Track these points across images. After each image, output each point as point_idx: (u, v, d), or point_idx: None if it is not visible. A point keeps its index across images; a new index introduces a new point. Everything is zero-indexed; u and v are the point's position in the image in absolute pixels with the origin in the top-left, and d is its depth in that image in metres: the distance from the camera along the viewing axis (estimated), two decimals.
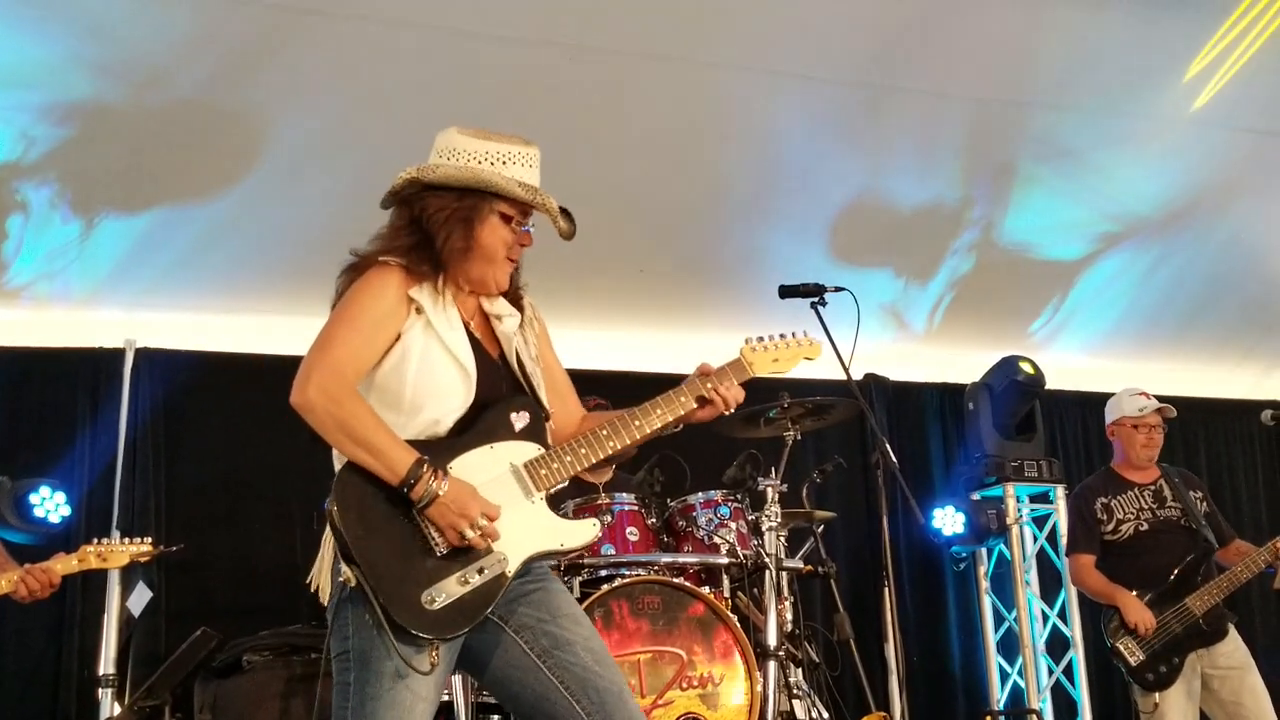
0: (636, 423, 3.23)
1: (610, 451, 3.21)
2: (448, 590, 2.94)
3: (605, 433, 3.20)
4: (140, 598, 6.58)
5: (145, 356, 7.25)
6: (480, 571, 2.98)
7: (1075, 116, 7.69)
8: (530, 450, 3.13)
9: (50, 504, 6.58)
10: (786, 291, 4.76)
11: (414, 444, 2.99)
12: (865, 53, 7.05)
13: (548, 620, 3.11)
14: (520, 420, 3.14)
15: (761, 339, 3.51)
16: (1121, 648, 5.97)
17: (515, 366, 3.24)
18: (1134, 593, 5.97)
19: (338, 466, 3.02)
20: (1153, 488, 6.22)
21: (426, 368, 3.07)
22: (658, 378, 6.98)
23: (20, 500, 6.50)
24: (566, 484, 3.21)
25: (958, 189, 8.05)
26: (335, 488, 2.96)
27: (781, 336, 3.56)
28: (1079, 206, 8.28)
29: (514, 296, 3.34)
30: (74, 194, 6.84)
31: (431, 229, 3.14)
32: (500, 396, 3.15)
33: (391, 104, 6.75)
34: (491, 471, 3.07)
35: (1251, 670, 5.97)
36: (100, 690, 6.62)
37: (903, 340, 8.78)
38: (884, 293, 8.42)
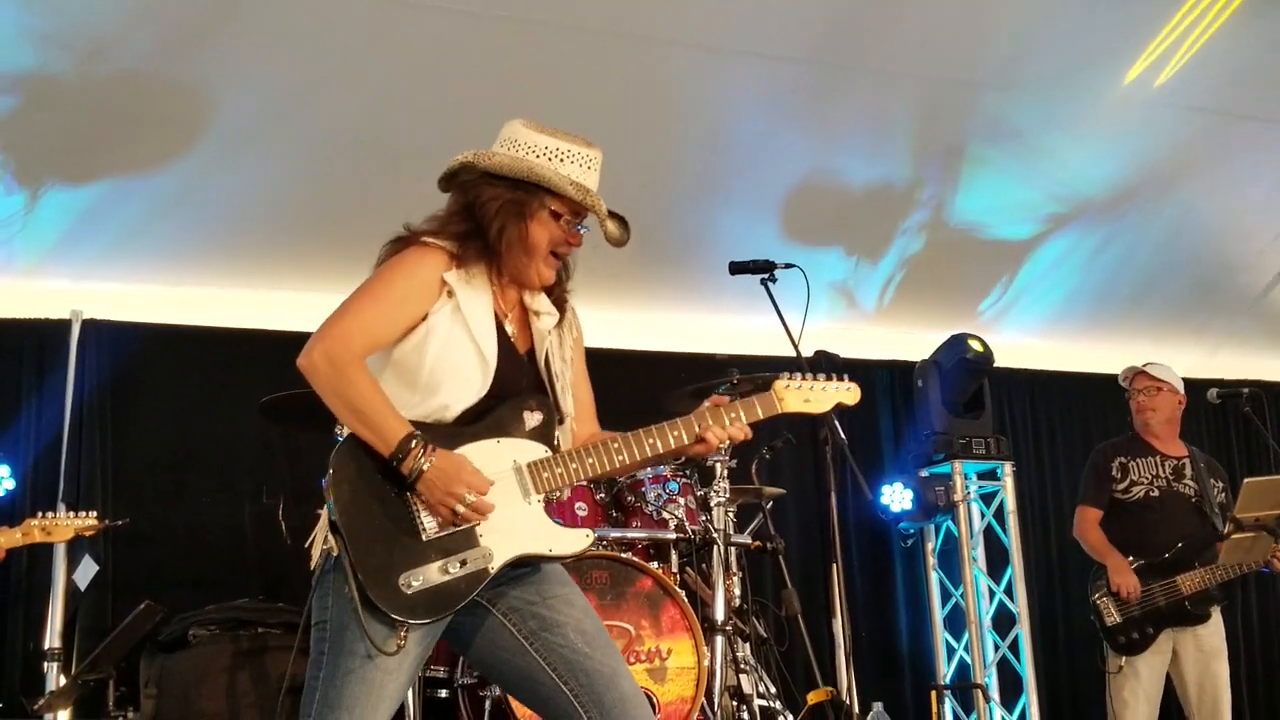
0: (651, 440, 3.20)
1: (618, 465, 3.18)
2: (427, 576, 2.94)
3: (616, 445, 3.17)
4: (86, 571, 6.54)
5: (92, 328, 7.18)
6: (463, 563, 2.98)
7: (1024, 98, 7.71)
8: (537, 451, 3.12)
9: None
10: (736, 268, 4.79)
11: (421, 426, 3.00)
12: (816, 31, 7.04)
13: (536, 602, 3.10)
14: (533, 419, 3.13)
15: (796, 375, 3.47)
16: (1100, 605, 6.10)
17: (542, 365, 3.25)
18: (1128, 559, 6.06)
19: (341, 438, 3.04)
20: (1175, 461, 6.36)
21: (447, 350, 3.07)
22: (611, 353, 7.01)
23: None
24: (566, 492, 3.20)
25: (908, 169, 8.07)
26: (333, 457, 2.99)
27: (819, 376, 3.51)
28: (1027, 187, 8.31)
29: (559, 298, 3.34)
30: (18, 165, 6.76)
31: (483, 218, 3.14)
32: (519, 391, 3.15)
33: (339, 78, 6.72)
34: (494, 466, 3.05)
35: (1220, 658, 6.10)
36: (46, 664, 6.58)
37: (853, 319, 8.80)
38: (835, 271, 8.44)
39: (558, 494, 3.17)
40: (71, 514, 4.40)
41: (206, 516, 7.04)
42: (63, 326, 7.18)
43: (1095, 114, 7.82)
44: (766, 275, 5.39)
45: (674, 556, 5.64)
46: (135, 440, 7.07)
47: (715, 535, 5.61)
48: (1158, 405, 6.43)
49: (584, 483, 3.28)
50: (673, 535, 5.61)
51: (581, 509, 5.58)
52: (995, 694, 8.13)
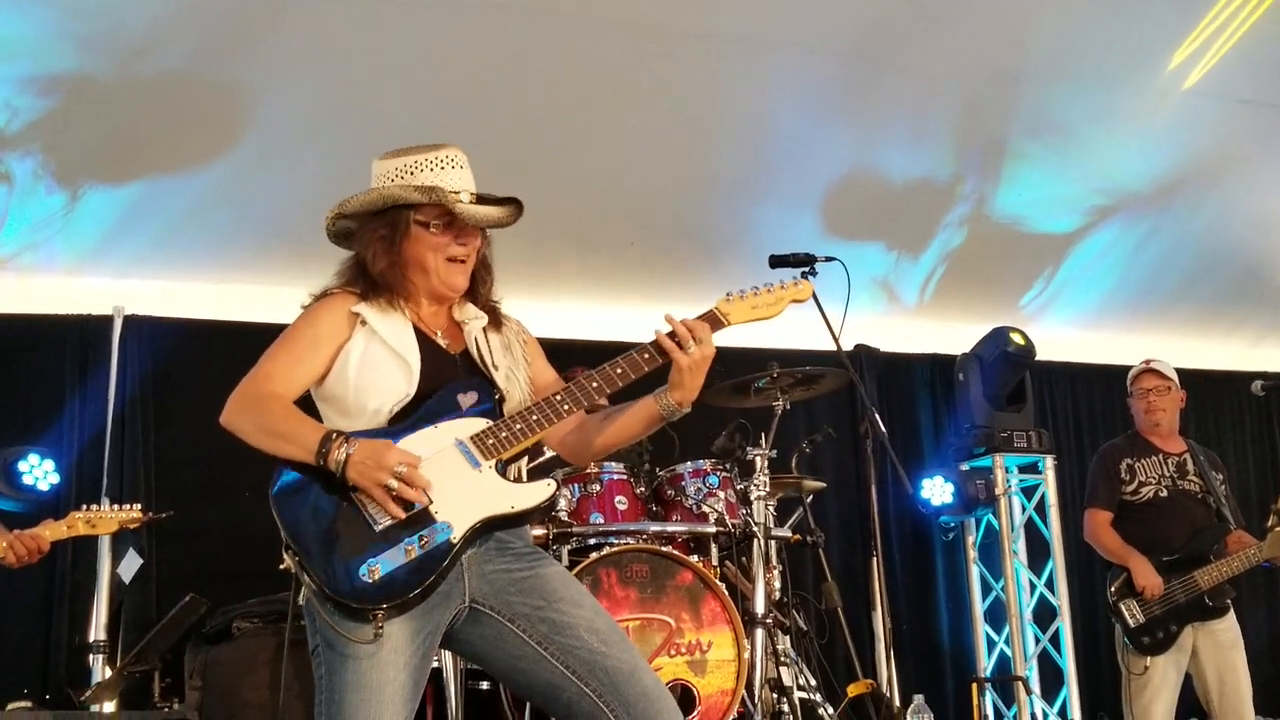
0: (595, 384, 3.16)
1: (565, 414, 3.14)
2: (390, 559, 2.93)
3: (559, 397, 3.15)
4: (131, 564, 6.60)
5: (133, 324, 7.25)
6: (422, 541, 2.96)
7: (1066, 91, 7.68)
8: (477, 425, 3.11)
9: (39, 471, 6.60)
10: (777, 261, 4.77)
11: (372, 431, 3.06)
12: (859, 25, 7.03)
13: (544, 606, 3.06)
14: (468, 399, 3.14)
15: (741, 290, 3.34)
16: (1123, 608, 6.07)
17: (476, 358, 3.27)
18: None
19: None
20: (1177, 458, 6.33)
21: (366, 365, 3.14)
22: None
23: (9, 468, 6.52)
24: (526, 450, 3.17)
25: (949, 163, 8.05)
26: (272, 490, 3.07)
27: (766, 285, 3.39)
28: (1070, 181, 8.27)
29: (485, 305, 3.39)
30: (58, 165, 6.82)
31: (366, 259, 3.24)
32: (450, 381, 3.17)
33: (375, 78, 6.75)
34: (435, 447, 3.05)
35: (1239, 649, 6.08)
36: (91, 656, 6.67)
37: (894, 313, 8.79)
38: (876, 266, 8.43)
39: (511, 455, 3.12)
40: (115, 507, 4.43)
41: (248, 510, 7.01)
42: (105, 323, 7.26)
43: (1138, 107, 7.78)
44: (807, 269, 5.35)
45: (714, 550, 5.64)
46: (177, 434, 7.12)
47: (755, 529, 5.61)
48: (1168, 405, 6.42)
49: (535, 438, 3.14)
50: (713, 529, 5.61)
51: (621, 502, 5.60)
52: (1036, 687, 8.13)
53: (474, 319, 3.34)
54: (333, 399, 3.18)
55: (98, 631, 6.75)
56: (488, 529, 3.07)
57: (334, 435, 2.97)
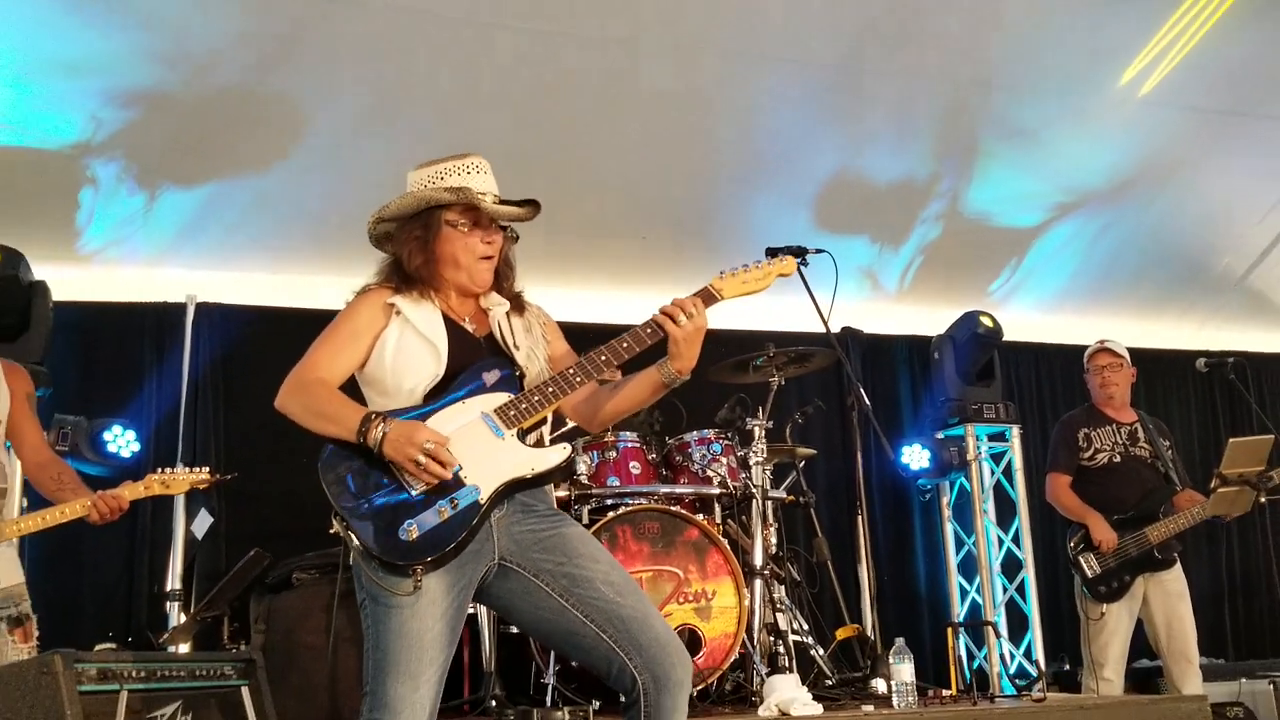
0: (603, 358, 3.16)
1: (578, 385, 3.15)
2: (423, 522, 2.97)
3: (572, 371, 3.16)
4: (202, 523, 6.62)
5: (205, 311, 7.27)
6: (454, 503, 3.00)
7: (1032, 99, 7.66)
8: (500, 398, 3.13)
9: (121, 441, 6.64)
10: (772, 253, 4.73)
11: (406, 409, 3.10)
12: (846, 41, 7.02)
13: (565, 562, 3.08)
14: (492, 377, 3.16)
15: (733, 268, 3.36)
16: (1082, 560, 6.09)
17: (499, 339, 3.29)
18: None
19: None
20: (1129, 428, 6.34)
21: (401, 350, 3.18)
22: None
23: (95, 438, 6.56)
24: (544, 419, 3.20)
25: (927, 164, 8.02)
26: (320, 468, 3.10)
27: (755, 263, 3.41)
28: (1035, 179, 8.26)
29: (514, 298, 3.41)
30: (138, 169, 6.85)
31: (403, 259, 3.29)
32: (476, 361, 3.20)
33: (420, 87, 6.75)
34: (461, 421, 3.09)
35: (1185, 599, 6.10)
36: (168, 603, 6.71)
37: (877, 299, 8.76)
38: (861, 257, 8.41)
39: (531, 424, 3.14)
40: (187, 469, 4.44)
41: (305, 475, 7.05)
42: (179, 310, 7.28)
43: (1097, 113, 7.77)
44: (800, 260, 5.38)
45: (717, 509, 5.65)
46: (243, 408, 7.14)
47: (754, 490, 5.62)
48: (1121, 380, 6.41)
49: (551, 408, 3.17)
50: (716, 490, 5.62)
51: (635, 467, 5.62)
52: (1004, 630, 8.12)
53: (498, 305, 3.36)
54: (373, 381, 3.22)
55: (173, 581, 6.78)
56: (511, 490, 3.10)
57: (372, 416, 3.02)
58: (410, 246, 3.28)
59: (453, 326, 3.24)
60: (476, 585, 3.09)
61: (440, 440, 2.99)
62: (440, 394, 3.14)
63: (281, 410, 3.18)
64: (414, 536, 2.96)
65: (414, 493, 3.01)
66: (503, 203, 3.30)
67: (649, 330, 3.17)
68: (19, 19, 6.06)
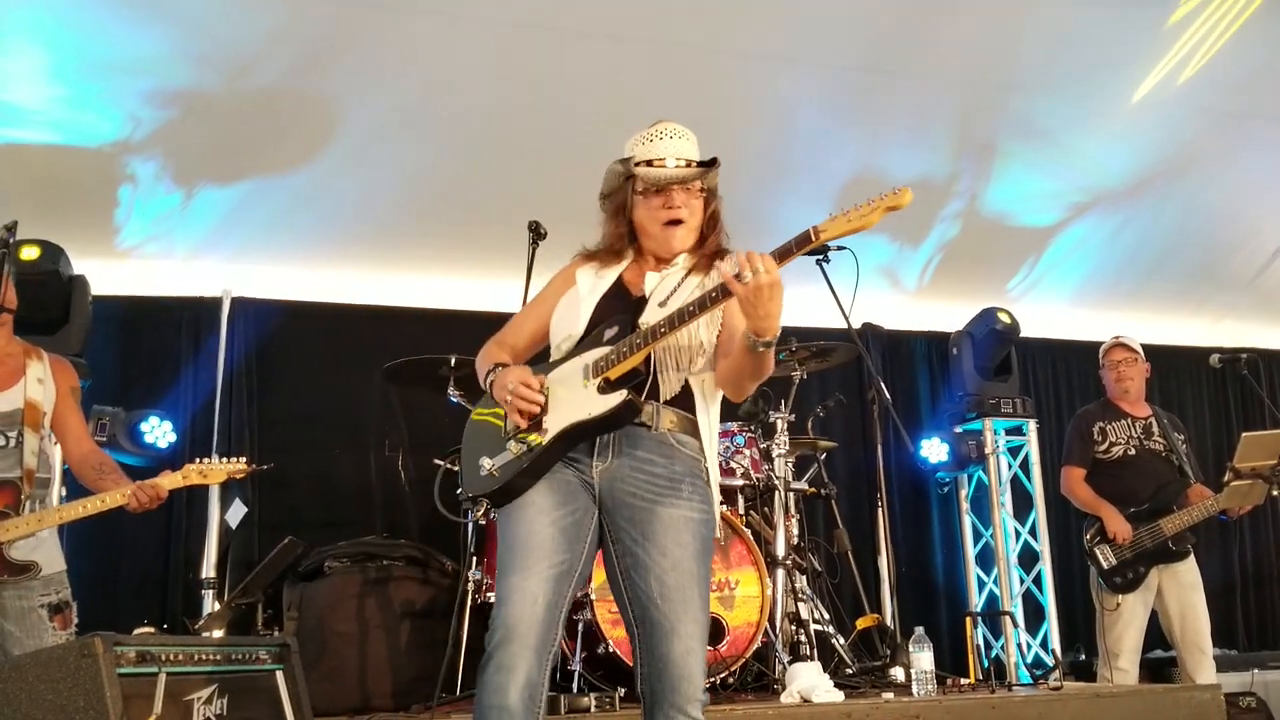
0: (686, 312, 2.97)
1: (658, 337, 2.98)
2: (501, 459, 3.09)
3: (659, 325, 3.00)
4: (237, 512, 6.64)
5: (240, 305, 7.28)
6: (524, 444, 3.06)
7: (1049, 100, 7.63)
8: (602, 351, 3.09)
9: (158, 431, 6.65)
10: None
11: (543, 364, 3.22)
12: (867, 43, 6.99)
13: (638, 541, 3.00)
14: (610, 332, 3.12)
15: (844, 210, 3.01)
16: (1098, 552, 6.06)
17: (648, 295, 3.21)
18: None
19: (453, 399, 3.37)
20: (1144, 422, 6.29)
21: (562, 310, 3.28)
22: None
23: (133, 428, 6.57)
24: (635, 371, 3.05)
25: (946, 164, 7.99)
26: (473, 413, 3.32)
27: (867, 201, 3.02)
28: (1052, 179, 8.22)
29: (713, 254, 3.29)
30: (175, 168, 6.87)
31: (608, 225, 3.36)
32: (607, 319, 3.18)
33: (451, 90, 6.74)
34: (570, 371, 3.12)
35: (1199, 591, 6.05)
36: (203, 591, 6.71)
37: (896, 295, 8.73)
38: (881, 255, 8.38)
39: (618, 374, 3.04)
40: (223, 460, 4.44)
41: (337, 466, 7.11)
42: (215, 303, 7.28)
43: (1113, 114, 7.72)
44: (821, 257, 5.36)
45: (740, 501, 5.64)
46: (277, 400, 7.15)
47: (776, 482, 5.61)
48: (1135, 374, 6.37)
49: (633, 360, 3.01)
50: (740, 482, 5.60)
51: None
52: (1021, 621, 8.08)
53: (678, 268, 3.26)
54: (550, 336, 3.30)
55: (208, 569, 6.78)
56: (575, 434, 3.07)
57: (495, 368, 3.20)
58: (608, 217, 3.34)
59: (618, 287, 3.26)
60: (596, 516, 3.10)
61: (528, 382, 3.07)
62: (576, 349, 3.18)
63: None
64: (484, 472, 3.11)
65: (506, 431, 3.12)
66: (684, 164, 3.23)
67: (714, 293, 2.93)
68: (62, 21, 6.08)
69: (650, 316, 3.10)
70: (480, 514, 3.14)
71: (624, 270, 3.28)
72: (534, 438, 3.06)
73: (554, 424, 3.05)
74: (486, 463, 3.11)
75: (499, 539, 3.07)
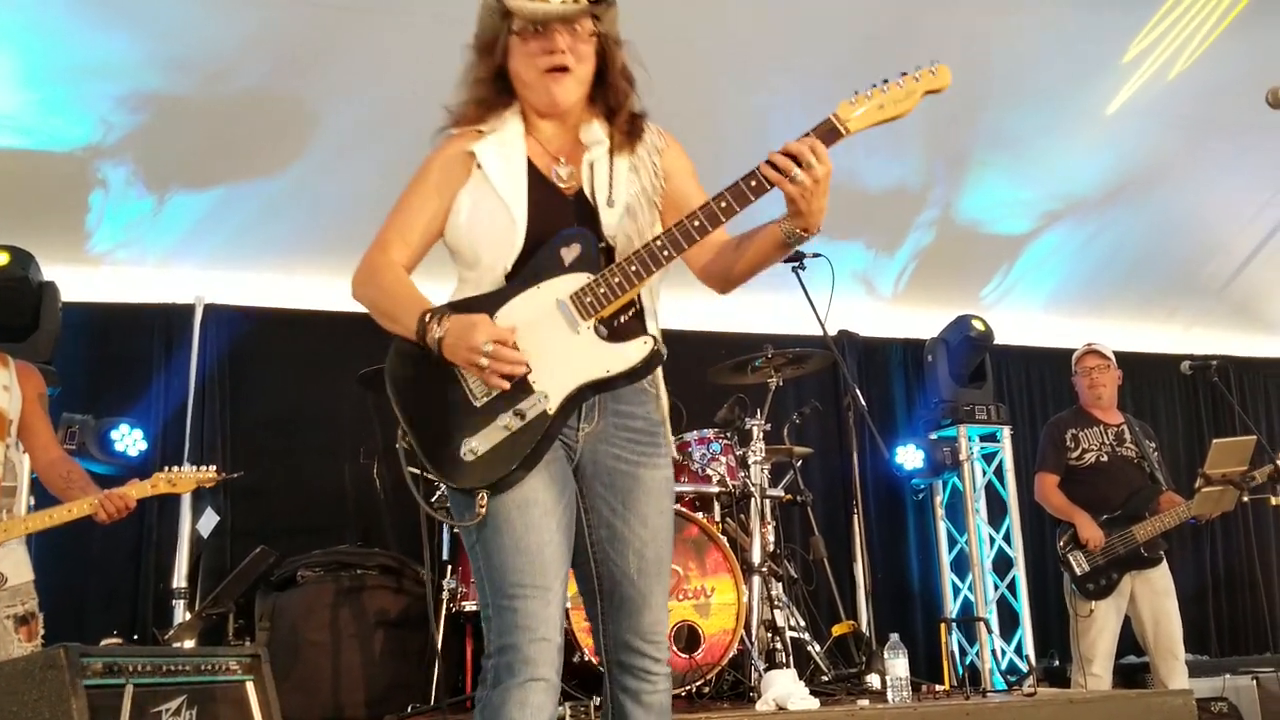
0: (696, 223, 2.55)
1: (665, 261, 2.54)
2: (487, 439, 2.49)
3: (659, 243, 2.54)
4: (209, 521, 6.57)
5: (212, 311, 7.21)
6: (520, 415, 2.50)
7: (1022, 111, 7.66)
8: (579, 280, 2.54)
9: (129, 439, 6.57)
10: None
11: (475, 299, 2.59)
12: (844, 54, 6.97)
13: (617, 511, 2.61)
14: (571, 253, 2.56)
15: (866, 91, 2.65)
16: (1071, 559, 6.07)
17: (590, 196, 2.66)
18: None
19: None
20: (1116, 428, 6.32)
21: (478, 218, 2.63)
22: (666, 334, 6.94)
23: (103, 436, 6.49)
24: (630, 303, 2.61)
25: (921, 173, 8.02)
26: (386, 366, 2.65)
27: (895, 81, 2.67)
28: (1025, 188, 8.27)
29: (628, 125, 2.77)
30: (147, 173, 6.81)
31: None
32: (555, 232, 2.59)
33: (421, 94, 6.64)
34: (536, 311, 2.54)
35: (1171, 597, 6.08)
36: (173, 601, 6.65)
37: (872, 303, 8.74)
38: (856, 262, 8.39)
39: (611, 311, 2.56)
40: (194, 468, 4.37)
41: (312, 474, 7.05)
42: (187, 310, 7.22)
43: (1085, 125, 7.77)
44: (797, 264, 5.36)
45: (716, 507, 5.59)
46: (250, 408, 7.09)
47: (752, 489, 5.57)
48: (1108, 381, 6.40)
49: (634, 291, 2.55)
50: (715, 489, 5.57)
51: None
52: (995, 627, 8.08)
53: (597, 143, 2.71)
54: (456, 251, 2.70)
55: (179, 579, 6.72)
56: (584, 395, 2.58)
57: (428, 315, 2.53)
58: (472, 64, 2.77)
59: (537, 181, 2.65)
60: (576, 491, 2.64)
61: (504, 337, 2.47)
62: (519, 272, 2.58)
63: (358, 301, 2.71)
64: (474, 456, 2.50)
65: (478, 401, 2.52)
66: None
67: (754, 183, 2.57)
68: (32, 24, 6.02)
69: (610, 221, 2.63)
70: (480, 510, 2.47)
71: (530, 150, 2.68)
72: (531, 406, 2.51)
73: (555, 385, 2.53)
74: (472, 444, 2.50)
75: (490, 539, 2.52)
